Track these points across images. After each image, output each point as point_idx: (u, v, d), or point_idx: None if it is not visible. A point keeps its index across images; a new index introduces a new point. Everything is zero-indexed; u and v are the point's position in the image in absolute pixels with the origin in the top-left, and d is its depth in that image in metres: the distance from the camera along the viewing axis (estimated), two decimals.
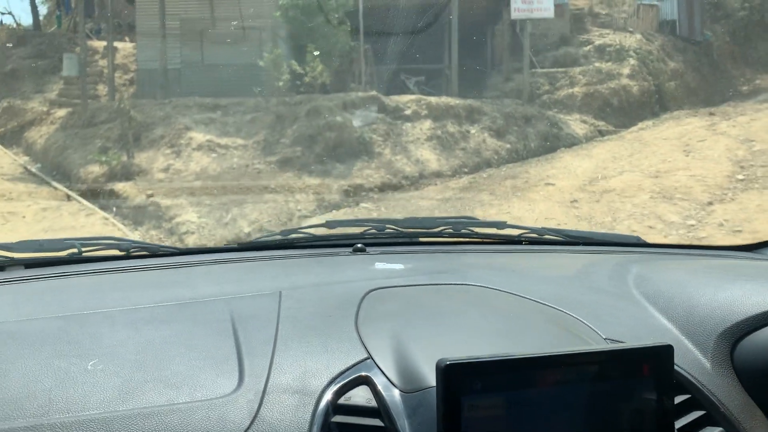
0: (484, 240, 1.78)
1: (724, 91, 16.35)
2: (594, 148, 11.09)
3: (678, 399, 1.00)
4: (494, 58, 14.95)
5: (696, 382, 1.05)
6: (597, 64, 14.03)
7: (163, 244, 2.10)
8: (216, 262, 1.60)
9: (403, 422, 0.90)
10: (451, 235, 1.74)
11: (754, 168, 8.39)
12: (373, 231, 1.73)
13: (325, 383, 0.95)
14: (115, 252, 1.63)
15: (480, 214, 7.46)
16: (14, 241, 1.57)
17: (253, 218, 7.62)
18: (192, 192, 8.41)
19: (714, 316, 1.16)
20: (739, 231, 6.30)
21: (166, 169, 9.43)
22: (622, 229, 6.92)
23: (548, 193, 8.22)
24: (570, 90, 13.33)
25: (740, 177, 8.10)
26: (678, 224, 6.87)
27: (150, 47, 13.20)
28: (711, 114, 12.46)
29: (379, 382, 0.95)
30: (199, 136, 10.14)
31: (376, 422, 0.91)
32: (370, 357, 1.00)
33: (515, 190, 8.49)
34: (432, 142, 10.41)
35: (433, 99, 11.30)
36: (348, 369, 0.98)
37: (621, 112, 13.23)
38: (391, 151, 9.93)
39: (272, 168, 9.23)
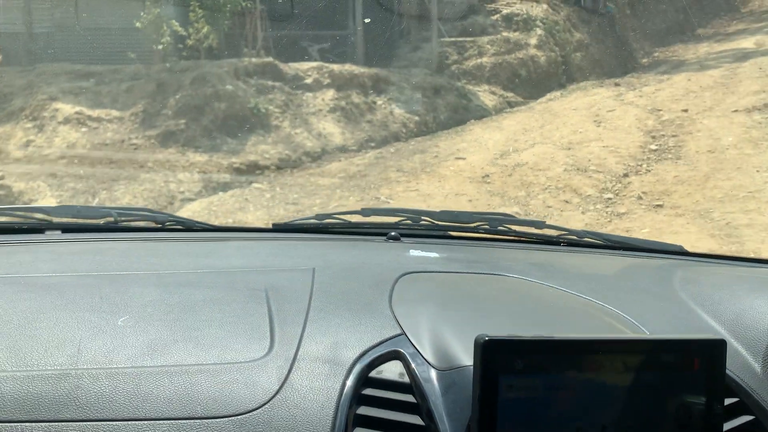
0: (521, 238, 1.72)
1: (626, 62, 16.53)
2: (504, 119, 10.69)
3: (726, 402, 0.92)
4: (402, 26, 14.31)
5: (745, 386, 1.00)
6: (505, 34, 13.74)
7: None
8: (249, 239, 1.61)
9: (436, 400, 0.86)
10: (487, 231, 1.70)
11: (666, 138, 8.17)
12: (408, 222, 1.70)
13: (357, 355, 0.93)
14: (151, 224, 1.62)
15: (386, 192, 6.77)
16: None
17: (126, 202, 6.57)
18: (54, 173, 7.20)
19: (766, 320, 1.10)
20: (660, 205, 5.95)
21: (25, 146, 8.09)
22: (537, 203, 6.45)
23: (459, 168, 7.65)
24: (479, 60, 12.94)
25: (653, 147, 7.85)
26: (595, 198, 6.46)
27: (13, 7, 11.57)
28: (617, 84, 12.41)
29: (412, 358, 0.92)
30: (66, 108, 8.81)
31: (408, 398, 0.88)
32: (403, 333, 0.98)
33: (424, 166, 7.86)
34: (335, 114, 9.58)
35: (335, 67, 10.45)
36: (380, 343, 0.95)
37: (529, 83, 12.99)
38: (290, 123, 9.02)
39: (152, 143, 8.11)
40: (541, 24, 14.32)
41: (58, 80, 9.58)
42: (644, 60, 17.13)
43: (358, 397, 0.88)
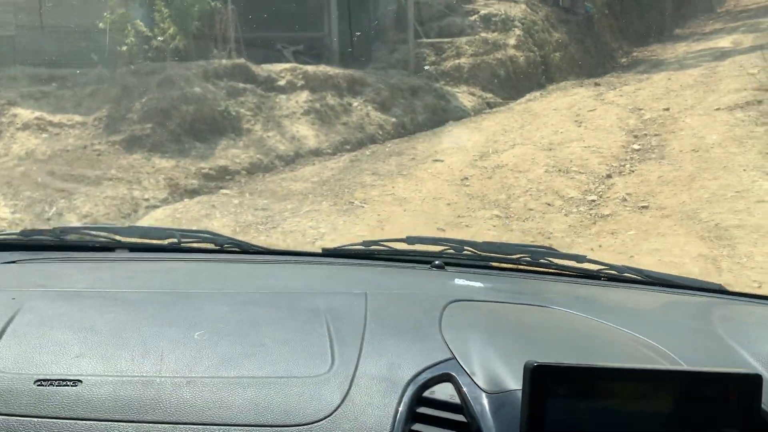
0: (562, 272, 1.76)
1: (605, 62, 16.45)
2: (483, 120, 10.47)
3: None
4: (378, 28, 14.06)
5: None
6: (483, 35, 13.56)
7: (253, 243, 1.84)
8: (302, 262, 1.72)
9: (485, 420, 0.91)
10: (528, 264, 1.74)
11: (648, 137, 7.98)
12: (451, 251, 1.75)
13: (411, 376, 0.99)
14: (210, 245, 1.73)
15: (361, 196, 6.48)
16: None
17: (86, 211, 6.19)
18: (9, 181, 6.79)
19: None
20: (645, 207, 5.71)
21: None
22: (518, 206, 6.19)
23: (437, 170, 7.38)
24: (457, 61, 12.73)
25: (636, 147, 7.64)
26: (578, 200, 6.22)
27: None
28: (597, 84, 12.28)
29: (463, 380, 0.98)
30: (26, 113, 8.39)
31: (459, 417, 0.93)
32: (454, 357, 1.04)
33: (401, 168, 7.58)
34: (310, 117, 9.27)
35: (310, 68, 10.14)
36: (432, 366, 1.01)
37: (508, 84, 12.80)
38: (262, 127, 8.69)
39: (116, 149, 7.73)
40: (519, 24, 14.16)
41: (17, 84, 9.17)
42: (623, 60, 17.06)
43: (412, 415, 0.93)
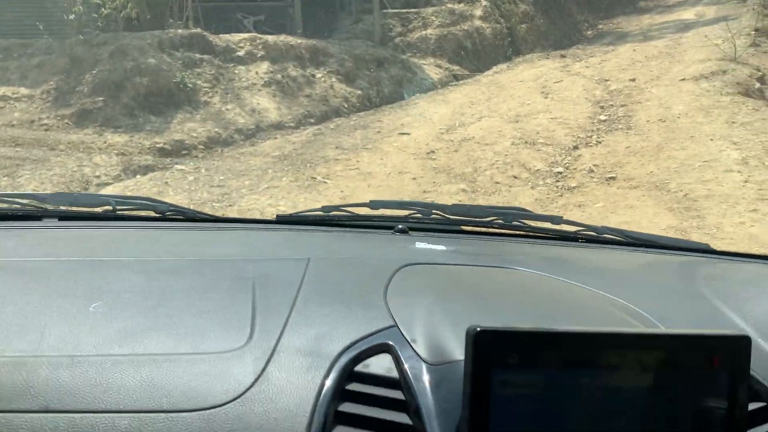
0: (537, 234, 1.62)
1: (570, 34, 16.37)
2: (450, 93, 10.29)
3: (751, 406, 0.82)
4: None
5: None
6: (449, 5, 13.35)
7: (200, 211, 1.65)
8: (251, 230, 1.59)
9: (425, 397, 0.80)
10: (501, 227, 1.62)
11: (615, 108, 7.89)
12: (418, 215, 1.64)
13: (342, 347, 0.87)
14: (150, 213, 1.58)
15: (324, 171, 6.26)
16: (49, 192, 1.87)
17: (31, 189, 5.85)
18: None
19: None
20: (613, 178, 5.62)
21: None
22: (485, 180, 6.06)
23: (403, 143, 7.19)
24: (423, 32, 12.50)
25: (602, 118, 7.55)
26: (544, 172, 6.11)
27: None
28: (563, 56, 12.18)
29: (403, 351, 0.87)
30: None
31: (396, 394, 0.82)
32: (395, 326, 0.92)
33: (366, 142, 7.37)
34: (271, 88, 8.95)
35: (270, 38, 9.78)
36: (369, 335, 0.89)
37: (475, 56, 12.63)
38: (220, 99, 8.36)
39: (65, 123, 7.34)
40: None
41: None
42: (589, 32, 16.99)
43: (340, 393, 0.81)
